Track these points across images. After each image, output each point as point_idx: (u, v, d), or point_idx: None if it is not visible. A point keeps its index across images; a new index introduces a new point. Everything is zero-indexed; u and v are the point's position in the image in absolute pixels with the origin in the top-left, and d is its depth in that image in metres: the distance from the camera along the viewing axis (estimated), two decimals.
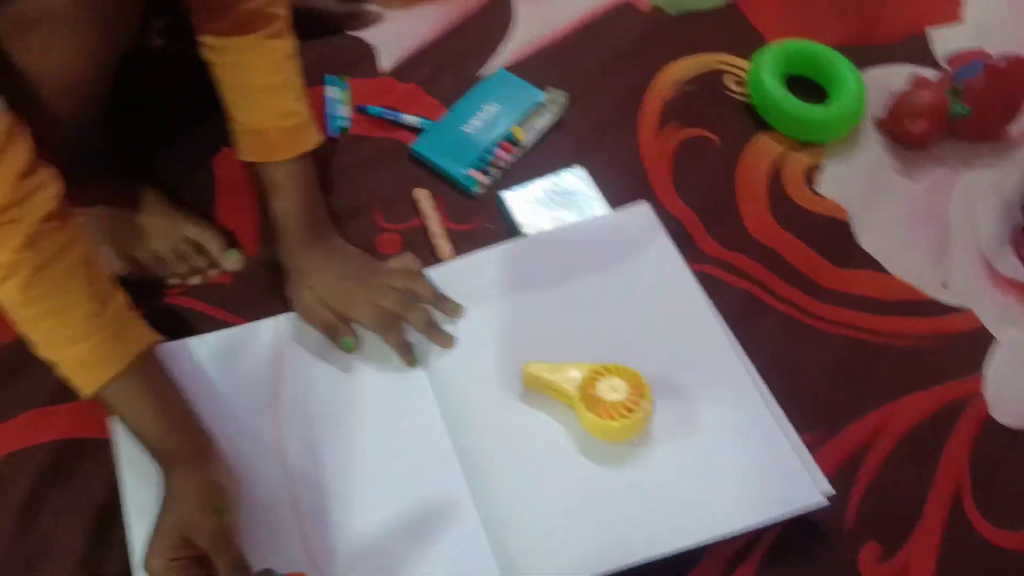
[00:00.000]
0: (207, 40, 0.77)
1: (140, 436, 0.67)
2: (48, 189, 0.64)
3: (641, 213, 0.89)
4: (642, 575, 0.67)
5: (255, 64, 0.76)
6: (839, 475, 0.75)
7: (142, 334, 0.69)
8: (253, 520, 0.68)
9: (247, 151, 0.79)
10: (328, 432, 0.76)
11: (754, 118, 1.01)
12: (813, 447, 0.74)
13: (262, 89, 0.77)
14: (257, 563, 0.64)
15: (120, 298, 0.68)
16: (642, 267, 0.84)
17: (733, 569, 0.70)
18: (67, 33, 0.65)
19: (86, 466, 0.73)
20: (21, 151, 0.62)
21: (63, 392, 0.74)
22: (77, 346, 0.64)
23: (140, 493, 0.69)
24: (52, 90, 0.70)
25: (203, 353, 0.79)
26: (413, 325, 0.78)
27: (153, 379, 0.69)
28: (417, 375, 0.78)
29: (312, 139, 0.80)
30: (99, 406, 0.73)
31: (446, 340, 0.79)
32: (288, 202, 0.80)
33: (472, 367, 0.78)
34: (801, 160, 0.98)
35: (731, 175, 0.96)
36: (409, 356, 0.78)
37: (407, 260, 0.83)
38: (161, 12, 0.97)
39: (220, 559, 0.63)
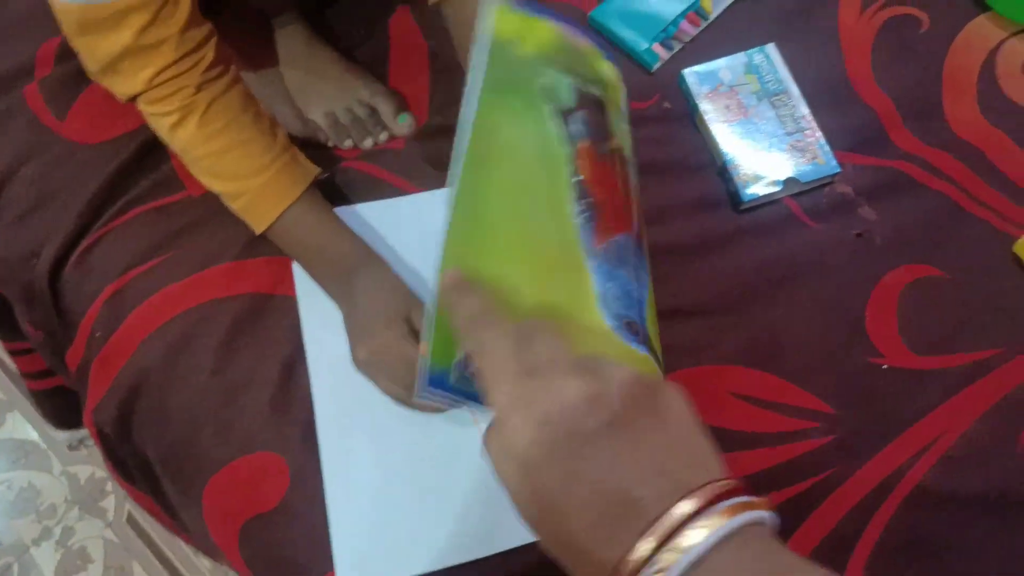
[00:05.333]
0: None
1: (322, 253, 0.73)
2: (209, 40, 0.69)
3: None
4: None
5: None
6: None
7: (309, 164, 0.75)
8: None
9: None
10: None
11: None
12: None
13: None
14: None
15: (282, 131, 0.74)
16: None
17: None
18: None
19: (276, 318, 0.78)
20: (183, 8, 0.66)
21: (254, 246, 0.80)
22: (263, 175, 0.71)
23: (319, 348, 0.74)
24: None
25: (377, 218, 0.81)
26: None
27: (325, 203, 0.75)
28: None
29: None
30: (286, 264, 0.78)
31: None
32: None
33: None
34: (1020, 49, 0.88)
35: (939, 61, 0.87)
36: None
37: None
38: None
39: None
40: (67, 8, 0.64)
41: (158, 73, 0.66)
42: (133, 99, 0.69)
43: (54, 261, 0.81)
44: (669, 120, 0.85)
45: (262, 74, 0.87)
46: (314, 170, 0.75)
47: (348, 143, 0.86)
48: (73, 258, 0.81)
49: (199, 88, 0.68)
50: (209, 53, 0.68)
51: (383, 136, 0.87)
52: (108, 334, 0.79)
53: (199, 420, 0.75)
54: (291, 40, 0.87)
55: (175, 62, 0.66)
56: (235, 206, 0.73)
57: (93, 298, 0.80)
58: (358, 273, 0.72)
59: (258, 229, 0.73)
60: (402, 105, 0.88)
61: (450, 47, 0.89)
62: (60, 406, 1.08)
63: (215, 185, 0.73)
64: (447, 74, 0.89)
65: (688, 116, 0.85)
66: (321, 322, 0.72)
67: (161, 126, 0.70)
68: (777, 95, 0.84)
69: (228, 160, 0.71)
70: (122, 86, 0.68)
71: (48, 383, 1.03)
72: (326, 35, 0.90)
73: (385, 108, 0.86)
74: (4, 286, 0.88)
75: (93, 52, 0.67)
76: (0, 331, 0.97)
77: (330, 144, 0.86)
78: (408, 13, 0.93)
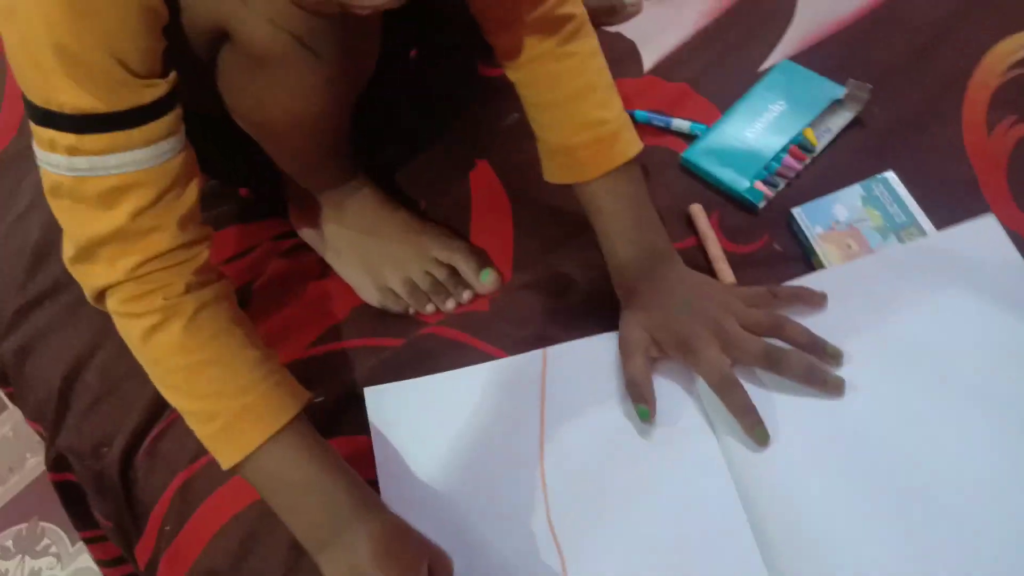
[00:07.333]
0: (502, 59, 0.71)
1: (311, 492, 0.61)
2: (205, 241, 0.61)
3: (986, 230, 0.73)
4: None
5: (551, 74, 0.69)
6: None
7: (301, 388, 0.64)
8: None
9: (554, 172, 0.72)
10: (597, 474, 0.69)
11: None
12: None
13: (560, 101, 0.69)
14: None
15: (274, 352, 0.64)
16: (989, 300, 0.70)
17: None
18: (289, 74, 0.63)
19: None
20: (190, 195, 0.59)
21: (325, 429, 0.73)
22: (246, 396, 0.59)
23: None
24: (281, 126, 0.70)
25: (465, 386, 0.75)
26: (788, 373, 0.67)
27: (318, 436, 0.63)
28: (703, 428, 0.69)
29: (627, 149, 0.69)
30: (356, 444, 0.71)
31: (836, 385, 0.67)
32: (610, 225, 0.71)
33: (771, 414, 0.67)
34: None
35: None
36: (760, 427, 0.65)
37: (761, 293, 0.70)
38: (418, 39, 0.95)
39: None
40: (57, 180, 0.55)
41: (143, 263, 0.57)
42: (101, 294, 0.59)
43: (124, 451, 0.77)
44: (781, 263, 0.76)
45: (331, 244, 0.83)
46: (306, 395, 0.64)
47: (430, 308, 0.80)
48: (143, 447, 0.77)
49: (188, 289, 0.59)
50: (204, 253, 0.61)
51: (466, 296, 0.80)
52: (177, 528, 0.73)
53: None
54: (360, 206, 0.83)
55: (166, 253, 0.58)
56: (206, 430, 0.60)
57: (163, 489, 0.75)
58: (359, 520, 0.60)
59: (229, 461, 0.60)
60: (484, 261, 0.82)
61: (532, 202, 0.84)
62: None
63: (184, 403, 0.61)
64: (531, 228, 0.84)
65: (803, 258, 0.76)
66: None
67: (132, 329, 0.59)
68: (905, 228, 0.74)
69: (209, 375, 0.59)
70: (96, 277, 0.58)
71: (122, 571, 0.98)
72: (401, 195, 0.86)
73: (465, 266, 0.81)
74: (77, 475, 0.84)
75: (76, 230, 0.57)
76: (75, 519, 0.93)
77: (411, 312, 0.81)
78: (488, 166, 0.89)
